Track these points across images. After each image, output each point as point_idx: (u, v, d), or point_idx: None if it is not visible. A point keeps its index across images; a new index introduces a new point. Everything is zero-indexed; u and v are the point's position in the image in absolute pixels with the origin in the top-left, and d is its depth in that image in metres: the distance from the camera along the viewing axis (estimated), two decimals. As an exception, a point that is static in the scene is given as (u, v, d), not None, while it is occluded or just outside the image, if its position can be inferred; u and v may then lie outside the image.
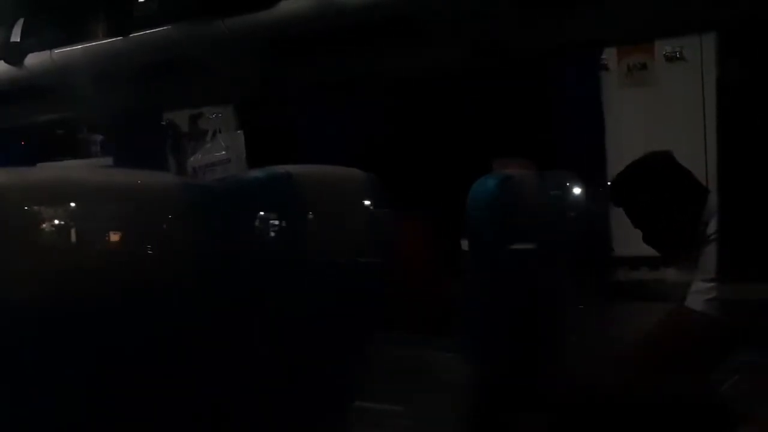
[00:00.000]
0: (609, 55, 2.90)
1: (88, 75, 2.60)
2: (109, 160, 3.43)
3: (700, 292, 1.80)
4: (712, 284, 1.77)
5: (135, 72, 2.57)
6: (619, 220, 2.85)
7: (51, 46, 2.78)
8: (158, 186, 0.81)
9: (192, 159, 2.70)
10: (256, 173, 0.99)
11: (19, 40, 2.82)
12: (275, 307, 0.97)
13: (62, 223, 0.67)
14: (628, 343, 2.00)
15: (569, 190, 2.17)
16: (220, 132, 2.82)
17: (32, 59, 2.82)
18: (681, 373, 1.80)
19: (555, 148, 2.71)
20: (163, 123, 3.24)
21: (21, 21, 2.83)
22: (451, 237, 2.13)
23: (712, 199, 1.91)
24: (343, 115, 2.87)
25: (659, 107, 2.85)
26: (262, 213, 0.96)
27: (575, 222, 2.16)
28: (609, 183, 2.12)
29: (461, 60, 2.34)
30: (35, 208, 0.66)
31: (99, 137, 3.70)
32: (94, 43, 2.70)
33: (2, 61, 2.85)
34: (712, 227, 1.84)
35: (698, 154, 2.52)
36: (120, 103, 2.77)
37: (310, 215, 1.03)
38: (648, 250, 2.74)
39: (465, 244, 1.88)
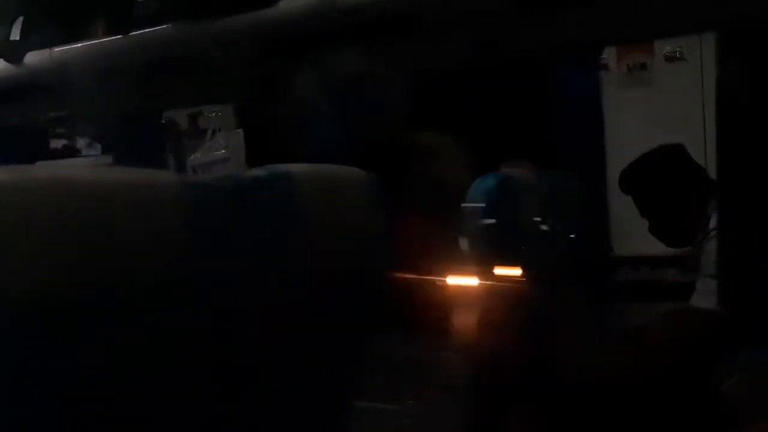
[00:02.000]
0: (609, 55, 2.90)
1: (88, 73, 2.60)
2: (108, 159, 3.44)
3: (703, 291, 1.81)
4: (715, 282, 1.77)
5: (135, 70, 2.57)
6: (619, 220, 2.86)
7: (51, 45, 2.78)
8: (158, 185, 0.81)
9: (191, 157, 2.70)
10: (256, 172, 0.99)
11: (18, 38, 2.82)
12: (274, 307, 0.97)
13: (63, 222, 0.67)
14: (631, 342, 2.00)
15: (569, 190, 2.18)
16: (219, 131, 2.82)
17: (32, 57, 2.82)
18: (683, 372, 1.80)
19: (554, 147, 2.71)
20: (163, 121, 3.24)
21: (20, 19, 2.83)
22: (451, 236, 2.14)
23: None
24: (343, 114, 2.86)
25: (659, 107, 2.84)
26: (260, 212, 0.96)
27: (575, 222, 2.16)
28: (621, 171, 2.13)
29: (461, 60, 2.34)
30: (35, 207, 0.66)
31: (98, 136, 3.70)
32: (93, 42, 2.70)
33: (1, 60, 2.85)
34: (713, 223, 1.85)
35: (698, 155, 2.52)
36: (120, 101, 2.77)
37: (310, 214, 1.02)
38: (648, 251, 2.74)
39: (464, 244, 1.89)
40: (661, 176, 2.03)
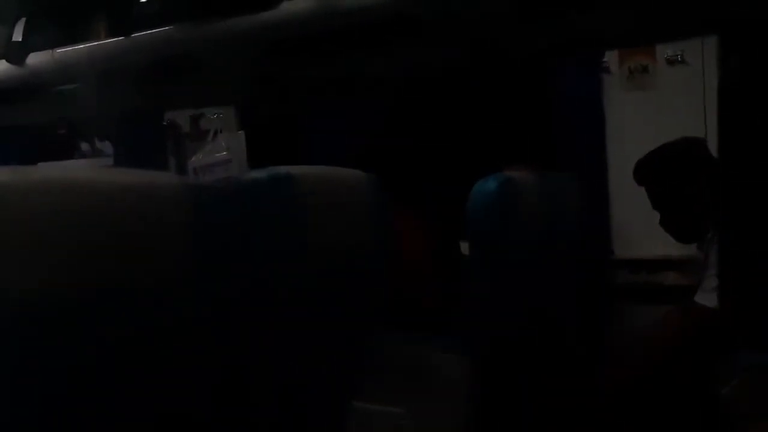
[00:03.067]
0: (610, 58, 2.90)
1: (90, 75, 2.61)
2: (109, 161, 3.44)
3: (709, 288, 1.80)
4: (719, 281, 1.77)
5: (136, 72, 2.57)
6: (620, 222, 2.85)
7: (53, 46, 2.78)
8: (160, 186, 0.81)
9: (193, 159, 2.70)
10: (257, 174, 0.99)
11: (21, 39, 2.82)
12: (275, 307, 0.97)
13: (65, 222, 0.67)
14: (633, 341, 2.00)
15: (570, 192, 2.17)
16: (221, 132, 2.83)
17: (34, 59, 2.83)
18: (686, 371, 1.80)
19: (555, 150, 2.71)
20: (165, 123, 3.24)
21: (23, 20, 2.83)
22: (452, 238, 2.14)
23: None
24: (343, 115, 2.87)
25: (660, 110, 2.84)
26: (262, 213, 0.97)
27: (575, 225, 2.16)
28: (636, 161, 2.10)
29: (461, 61, 2.34)
30: (37, 208, 0.66)
31: (100, 137, 3.70)
32: (95, 43, 2.70)
33: (4, 61, 2.85)
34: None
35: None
36: (121, 103, 2.77)
37: (311, 216, 1.03)
38: (648, 253, 2.74)
39: (465, 247, 1.88)
40: (676, 169, 1.99)
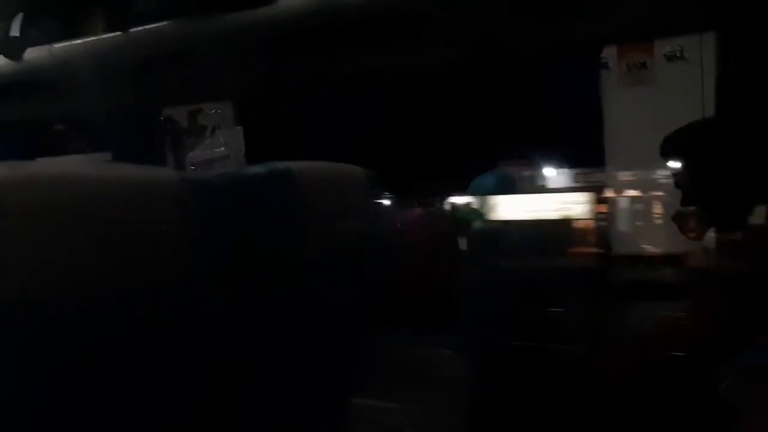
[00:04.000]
0: (609, 54, 2.90)
1: (88, 70, 2.60)
2: (107, 156, 3.43)
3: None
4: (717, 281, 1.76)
5: (134, 67, 2.57)
6: (619, 219, 2.86)
7: (50, 41, 2.78)
8: (158, 181, 0.81)
9: (191, 155, 2.70)
10: (255, 169, 0.99)
11: (18, 34, 2.82)
12: (273, 303, 0.97)
13: (63, 217, 0.67)
14: (632, 338, 2.00)
15: (568, 188, 2.17)
16: (219, 128, 2.82)
17: (32, 54, 2.82)
18: (685, 369, 1.80)
19: (554, 146, 2.71)
20: (162, 118, 3.23)
21: (20, 15, 2.83)
22: (451, 234, 2.14)
23: None
24: (342, 111, 2.87)
25: (659, 106, 2.84)
26: (260, 209, 0.96)
27: (573, 220, 2.16)
28: (665, 136, 2.05)
29: (461, 59, 2.34)
30: (35, 202, 0.66)
31: (98, 132, 3.70)
32: (93, 38, 2.70)
33: (1, 56, 2.85)
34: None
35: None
36: (119, 98, 2.77)
37: (309, 211, 1.02)
38: (646, 250, 2.74)
39: (463, 243, 1.88)
40: (705, 147, 1.95)
